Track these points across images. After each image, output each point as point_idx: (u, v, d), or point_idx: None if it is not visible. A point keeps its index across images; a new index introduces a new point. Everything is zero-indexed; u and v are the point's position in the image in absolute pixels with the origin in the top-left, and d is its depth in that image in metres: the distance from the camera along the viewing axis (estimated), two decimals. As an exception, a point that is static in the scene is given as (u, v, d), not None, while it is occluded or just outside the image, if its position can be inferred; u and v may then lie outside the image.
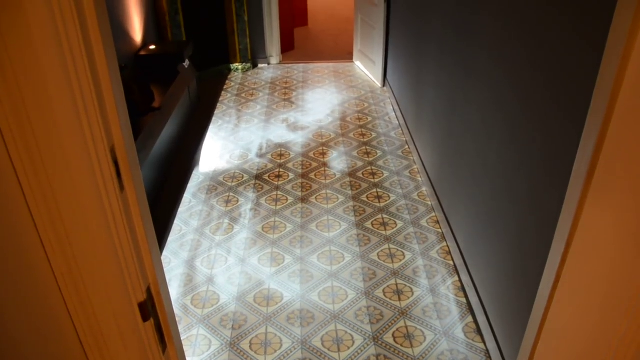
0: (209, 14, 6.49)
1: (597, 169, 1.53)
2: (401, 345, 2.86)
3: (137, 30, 5.16)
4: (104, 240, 1.24)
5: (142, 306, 1.36)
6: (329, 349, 2.85)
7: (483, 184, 2.85)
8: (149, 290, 1.40)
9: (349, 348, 2.86)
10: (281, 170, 4.56)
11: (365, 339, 2.90)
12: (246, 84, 6.58)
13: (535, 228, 2.16)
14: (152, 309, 1.42)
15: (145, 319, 1.38)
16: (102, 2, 1.14)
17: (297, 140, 5.08)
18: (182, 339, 2.96)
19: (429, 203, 4.05)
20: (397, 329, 2.96)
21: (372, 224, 3.83)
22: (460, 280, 3.26)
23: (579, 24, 1.81)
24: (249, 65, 6.98)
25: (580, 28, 1.80)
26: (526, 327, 2.17)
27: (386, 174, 4.47)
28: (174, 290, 3.28)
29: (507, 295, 2.53)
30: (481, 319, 2.89)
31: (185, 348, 2.89)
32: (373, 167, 4.57)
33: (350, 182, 4.37)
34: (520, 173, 2.33)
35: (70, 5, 1.03)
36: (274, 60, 7.21)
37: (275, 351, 2.85)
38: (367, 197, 4.15)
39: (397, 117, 5.52)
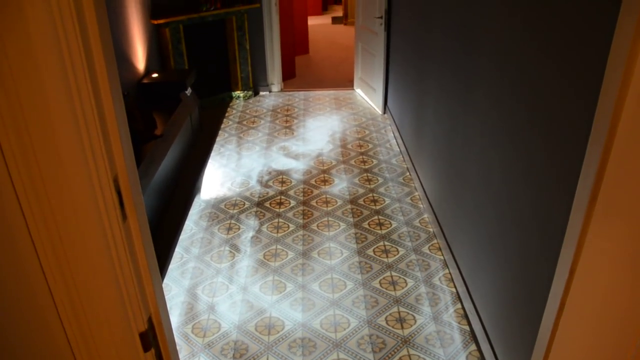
0: (211, 43, 6.56)
1: (599, 197, 1.53)
2: (404, 374, 2.83)
3: (140, 59, 5.22)
4: (105, 269, 1.24)
5: (143, 336, 1.36)
6: (331, 379, 2.82)
7: (485, 210, 2.85)
8: (150, 320, 1.39)
9: (351, 377, 2.82)
10: (282, 197, 4.56)
11: (367, 368, 2.87)
12: (248, 111, 6.62)
13: (539, 255, 2.15)
14: (153, 339, 1.41)
15: (146, 349, 1.37)
16: (107, 31, 1.16)
17: (298, 167, 5.09)
18: (182, 368, 2.93)
19: (431, 230, 4.05)
20: (400, 358, 2.93)
21: (374, 251, 3.81)
22: (463, 308, 3.24)
23: (578, 52, 1.82)
24: (250, 93, 7.03)
25: (579, 56, 1.82)
26: (531, 355, 2.14)
27: (387, 200, 4.47)
28: (175, 318, 3.25)
29: (511, 323, 2.51)
30: (485, 347, 2.86)
31: (185, 378, 2.86)
32: (374, 194, 4.58)
33: (352, 209, 4.36)
34: (523, 199, 2.33)
35: (75, 35, 1.05)
36: (276, 88, 7.27)
37: (277, 381, 2.82)
38: (369, 224, 4.14)
39: (397, 144, 5.54)
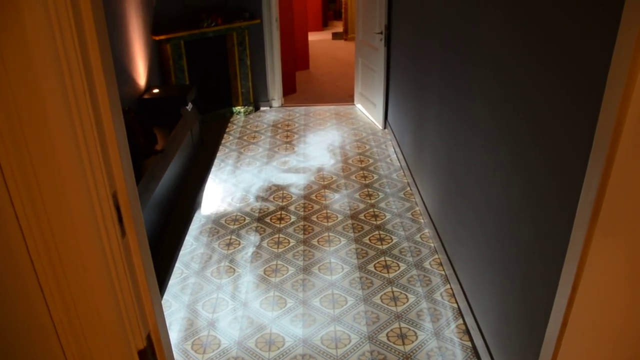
0: (212, 58, 6.59)
1: (601, 212, 1.52)
2: (406, 391, 2.80)
3: (141, 74, 5.24)
4: (104, 285, 1.23)
5: (142, 354, 1.34)
6: (332, 396, 2.79)
7: (487, 225, 2.84)
8: (149, 337, 1.38)
9: (352, 395, 2.79)
10: (283, 212, 4.55)
11: (369, 385, 2.84)
12: (248, 126, 6.63)
13: (542, 269, 2.14)
14: (152, 356, 1.40)
15: (145, 366, 1.36)
16: (107, 47, 1.16)
17: (298, 182, 5.09)
18: (182, 385, 2.90)
19: (432, 245, 4.03)
20: (402, 375, 2.90)
21: (375, 267, 3.80)
22: (465, 323, 3.21)
23: (578, 65, 1.83)
24: (251, 108, 7.05)
25: (580, 70, 1.82)
26: (533, 372, 2.12)
27: (388, 216, 4.46)
28: (174, 334, 3.23)
29: (514, 339, 2.49)
30: (487, 363, 2.84)
31: (185, 395, 2.83)
32: (375, 209, 4.56)
33: (352, 224, 4.35)
34: (525, 214, 2.32)
35: (75, 50, 1.05)
36: (276, 103, 7.29)
37: (277, 398, 2.79)
38: (370, 240, 4.13)
39: (398, 159, 5.53)
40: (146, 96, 5.21)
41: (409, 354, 3.03)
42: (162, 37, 5.82)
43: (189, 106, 5.59)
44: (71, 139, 1.09)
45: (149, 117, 5.00)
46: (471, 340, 3.09)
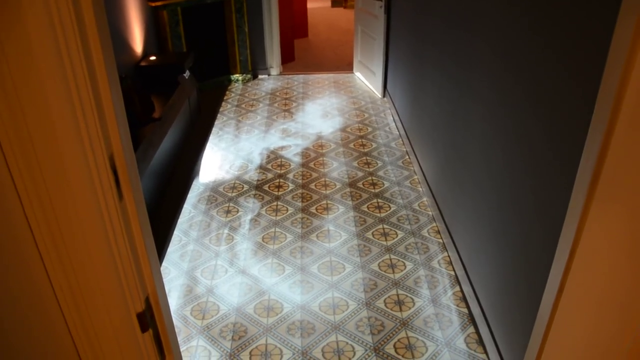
0: (210, 25, 6.51)
1: (600, 180, 1.52)
2: (402, 356, 2.84)
3: (137, 41, 5.18)
4: (102, 249, 1.23)
5: (140, 317, 1.35)
6: (329, 361, 2.83)
7: (485, 193, 2.84)
8: (147, 301, 1.39)
9: (349, 359, 2.83)
10: (281, 180, 4.55)
11: (366, 350, 2.88)
12: (246, 94, 6.58)
13: (539, 238, 2.15)
14: (151, 319, 1.41)
15: (144, 329, 1.37)
16: (103, 13, 1.14)
17: (297, 150, 5.07)
18: (181, 350, 2.93)
19: (430, 213, 4.04)
20: (399, 340, 2.93)
21: (373, 234, 3.81)
22: (462, 291, 3.24)
23: (580, 35, 1.80)
24: (249, 76, 6.99)
25: (581, 39, 1.80)
26: (529, 337, 2.15)
27: (387, 184, 4.46)
28: (174, 301, 3.25)
29: (510, 306, 2.51)
30: (483, 329, 2.87)
31: (184, 359, 2.86)
32: (373, 178, 4.56)
33: (351, 192, 4.35)
34: (524, 182, 2.32)
35: (70, 16, 1.03)
36: (274, 71, 7.23)
37: (276, 363, 2.82)
38: (368, 208, 4.13)
39: (397, 128, 5.51)
40: (143, 63, 5.16)
41: (406, 320, 3.07)
42: (159, 4, 5.74)
43: (187, 74, 5.54)
44: (67, 102, 1.07)
45: (146, 84, 4.95)
46: (468, 307, 3.12)
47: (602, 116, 1.48)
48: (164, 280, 3.38)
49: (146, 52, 5.45)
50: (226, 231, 3.90)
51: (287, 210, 4.13)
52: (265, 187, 4.45)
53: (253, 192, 4.39)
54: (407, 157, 4.91)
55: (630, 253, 1.40)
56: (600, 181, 1.52)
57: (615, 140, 1.44)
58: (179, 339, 2.98)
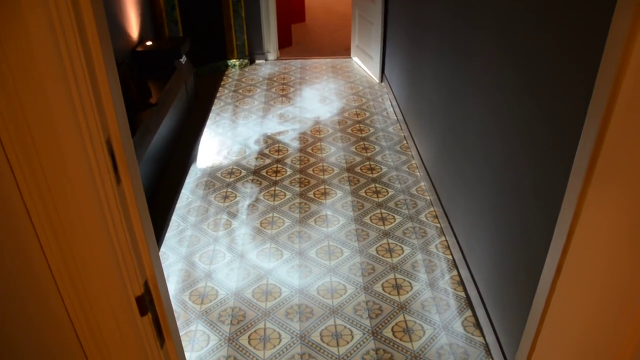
0: (206, 10, 6.46)
1: (598, 161, 1.52)
2: (400, 339, 2.86)
3: (133, 27, 5.14)
4: (100, 233, 1.23)
5: (139, 300, 1.35)
6: (327, 344, 2.84)
7: (483, 177, 2.84)
8: (146, 284, 1.39)
9: (348, 343, 2.85)
10: (279, 165, 4.55)
11: (364, 334, 2.89)
12: (243, 80, 6.56)
13: (537, 220, 2.15)
14: (150, 303, 1.41)
15: (142, 313, 1.37)
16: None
17: (294, 135, 5.07)
18: (180, 334, 2.94)
19: (428, 198, 4.05)
20: (396, 324, 2.95)
21: (371, 219, 3.82)
22: (459, 275, 3.26)
23: (579, 16, 1.80)
24: (246, 61, 6.95)
25: (580, 20, 1.79)
26: (526, 320, 2.16)
27: (384, 169, 4.46)
28: (172, 285, 3.26)
29: (507, 289, 2.52)
30: (480, 312, 2.88)
31: (183, 343, 2.88)
32: (371, 162, 4.56)
33: (349, 177, 4.35)
34: (521, 166, 2.32)
35: (66, 0, 1.02)
36: (272, 56, 7.19)
37: (274, 346, 2.84)
38: (366, 192, 4.14)
39: (395, 112, 5.50)
40: (139, 49, 5.12)
41: (403, 303, 3.08)
42: (155, -12, 5.69)
43: (183, 59, 5.51)
44: (63, 84, 1.07)
45: (142, 70, 4.93)
46: (465, 291, 3.14)
47: (600, 98, 1.48)
48: (162, 265, 3.39)
49: (142, 37, 5.42)
50: (224, 216, 3.90)
51: (285, 195, 4.13)
52: (263, 172, 4.45)
53: (251, 177, 4.39)
54: (405, 142, 4.90)
55: (629, 232, 1.41)
56: (599, 163, 1.52)
57: (613, 122, 1.44)
58: (177, 323, 2.99)
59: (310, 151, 4.77)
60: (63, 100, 1.07)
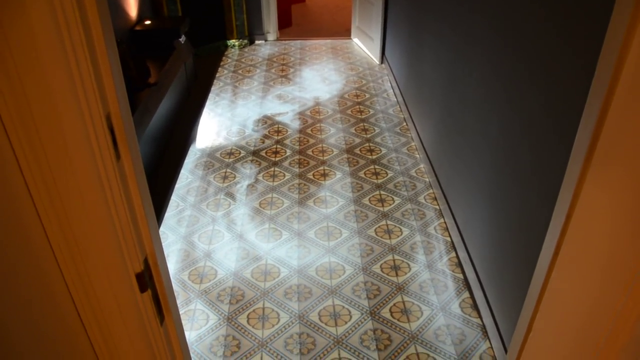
0: (205, -11, 6.41)
1: (598, 144, 1.51)
2: (398, 320, 2.87)
3: (132, 5, 5.09)
4: (100, 208, 1.22)
5: (139, 277, 1.36)
6: (326, 324, 2.86)
7: (483, 160, 2.84)
8: (146, 261, 1.39)
9: (346, 323, 2.87)
10: (278, 146, 4.54)
11: (362, 314, 2.91)
12: (243, 60, 6.52)
13: (536, 202, 2.16)
14: (150, 280, 1.42)
15: (142, 289, 1.38)
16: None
17: (294, 116, 5.05)
18: (180, 313, 2.96)
19: (427, 180, 4.05)
20: (394, 304, 2.97)
21: (370, 200, 3.82)
22: (458, 257, 3.27)
23: (579, 1, 1.78)
24: (245, 41, 6.91)
25: (581, 5, 1.78)
26: (523, 302, 2.17)
27: (384, 150, 4.46)
28: (172, 265, 3.27)
29: (505, 271, 2.53)
30: (478, 294, 2.90)
31: (183, 322, 2.89)
32: (371, 144, 4.56)
33: (348, 158, 4.35)
34: (521, 148, 2.32)
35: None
36: (271, 36, 7.14)
37: (273, 325, 2.86)
38: (365, 174, 4.14)
39: (395, 94, 5.48)
40: (138, 28, 5.09)
41: (401, 284, 3.10)
42: (154, -34, 5.63)
43: (182, 39, 5.47)
44: (63, 59, 1.06)
45: (141, 49, 4.89)
46: (463, 272, 3.15)
47: (602, 78, 1.47)
48: (162, 245, 3.40)
49: (141, 17, 5.37)
50: (223, 197, 3.90)
51: (284, 176, 4.13)
52: (262, 153, 4.44)
53: (250, 157, 4.38)
54: (405, 123, 4.89)
55: (627, 215, 1.41)
56: (600, 142, 1.51)
57: (615, 103, 1.43)
58: (177, 302, 3.00)
59: (309, 132, 4.75)
60: (63, 75, 1.06)
